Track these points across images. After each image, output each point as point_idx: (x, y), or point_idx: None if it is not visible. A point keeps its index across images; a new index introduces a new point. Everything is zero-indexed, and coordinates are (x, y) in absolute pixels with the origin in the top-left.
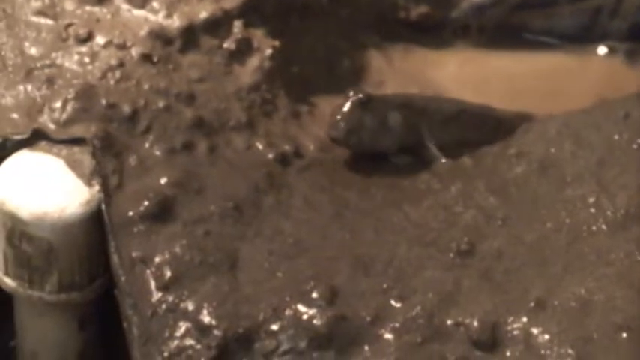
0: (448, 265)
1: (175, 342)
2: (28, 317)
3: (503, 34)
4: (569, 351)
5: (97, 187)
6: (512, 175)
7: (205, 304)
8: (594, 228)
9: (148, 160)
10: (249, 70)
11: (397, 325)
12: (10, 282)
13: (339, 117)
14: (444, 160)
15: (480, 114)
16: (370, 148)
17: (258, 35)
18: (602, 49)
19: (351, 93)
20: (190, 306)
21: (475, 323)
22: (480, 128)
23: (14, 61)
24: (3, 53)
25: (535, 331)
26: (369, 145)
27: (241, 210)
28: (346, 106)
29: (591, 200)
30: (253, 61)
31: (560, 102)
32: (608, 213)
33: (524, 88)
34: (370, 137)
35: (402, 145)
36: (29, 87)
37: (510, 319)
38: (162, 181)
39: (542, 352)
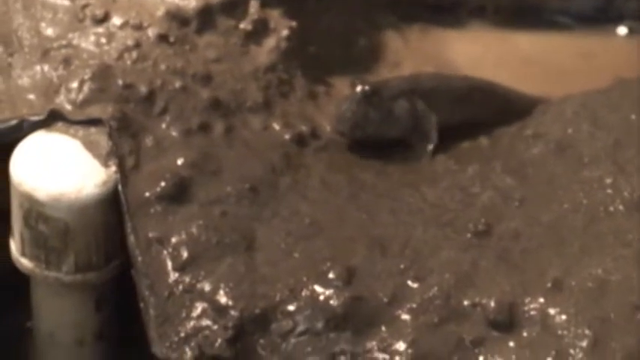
0: (465, 246)
1: (192, 323)
2: (45, 298)
3: (519, 14)
4: (586, 331)
5: (113, 168)
6: (529, 155)
7: (222, 285)
8: (611, 209)
9: (164, 140)
10: (265, 51)
11: (414, 305)
12: (26, 263)
13: (344, 111)
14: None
15: (490, 91)
16: (377, 139)
17: (274, 15)
18: (622, 30)
19: (357, 84)
20: (207, 287)
21: (492, 304)
22: (489, 106)
23: (30, 42)
24: (19, 34)
25: (552, 311)
26: (376, 136)
27: (258, 191)
28: (351, 100)
29: (608, 181)
30: (270, 42)
31: (578, 82)
32: (625, 194)
33: (541, 69)
34: (376, 129)
35: (411, 131)
36: (46, 67)
37: (527, 300)
38: (179, 161)
39: (559, 332)
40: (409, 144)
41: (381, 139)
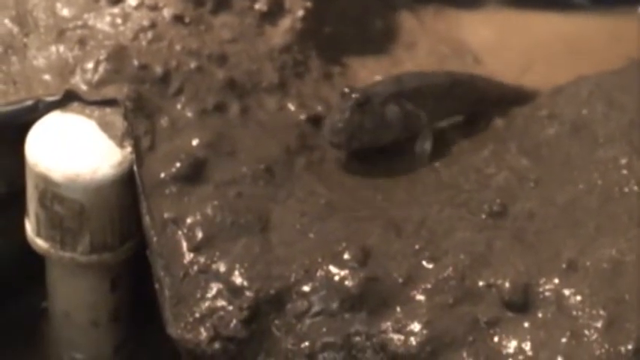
0: (480, 227)
1: (207, 303)
2: (60, 278)
3: None
4: (601, 312)
5: (128, 149)
6: (544, 136)
7: (237, 266)
8: (626, 189)
9: (179, 121)
10: (281, 31)
11: (429, 286)
12: (42, 243)
13: (338, 122)
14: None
15: (470, 84)
16: (372, 146)
17: None
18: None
19: (347, 94)
20: (222, 267)
21: (507, 284)
22: (470, 99)
23: (46, 23)
24: (35, 14)
25: (567, 292)
26: (371, 144)
27: (273, 171)
28: (344, 111)
29: (623, 161)
30: (285, 22)
31: (593, 63)
32: None
33: (555, 49)
34: (372, 137)
35: (403, 135)
36: (61, 48)
37: (542, 281)
38: (194, 142)
39: (574, 313)
40: (404, 147)
41: (377, 146)
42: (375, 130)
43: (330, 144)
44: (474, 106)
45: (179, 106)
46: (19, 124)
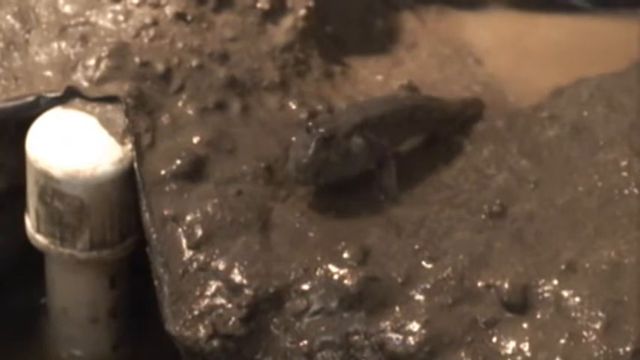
0: (479, 227)
1: (206, 301)
2: (59, 275)
3: None
4: (600, 314)
5: (129, 146)
6: (544, 137)
7: (236, 264)
8: (626, 191)
9: (180, 118)
10: (282, 30)
11: (428, 286)
12: (41, 239)
13: (302, 158)
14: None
15: (428, 107)
16: (338, 179)
17: None
18: None
19: (311, 127)
20: (221, 265)
21: (506, 285)
22: (430, 121)
23: (48, 19)
24: (37, 10)
25: (566, 293)
26: (338, 177)
27: (273, 170)
28: (308, 147)
29: (623, 164)
30: (287, 21)
31: (594, 64)
32: None
33: (557, 51)
34: (338, 171)
35: (368, 166)
36: (63, 45)
37: (541, 282)
38: (195, 140)
39: (573, 314)
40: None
41: (342, 179)
42: (341, 164)
43: (295, 180)
44: (434, 126)
45: (180, 104)
46: (20, 119)
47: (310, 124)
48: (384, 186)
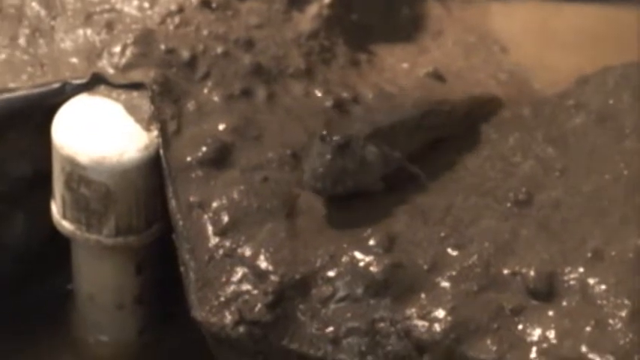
0: (505, 215)
1: (232, 287)
2: (85, 261)
3: None
4: (626, 302)
5: (155, 132)
6: (570, 125)
7: (262, 250)
8: None
9: (206, 105)
10: (308, 17)
11: (454, 273)
12: (67, 225)
13: (319, 167)
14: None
15: (438, 112)
16: (354, 190)
17: None
18: None
19: (325, 135)
20: (247, 252)
21: (532, 273)
22: (440, 126)
23: (74, 6)
24: None
25: (592, 281)
26: (354, 188)
27: (299, 157)
28: (325, 155)
29: None
30: (312, 9)
31: (620, 53)
32: None
33: (584, 37)
34: (355, 180)
35: (383, 176)
36: (88, 31)
37: (567, 269)
38: (221, 127)
39: (599, 302)
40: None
41: (357, 191)
42: (357, 173)
43: (312, 190)
44: (443, 130)
45: (206, 91)
46: (45, 106)
47: (324, 133)
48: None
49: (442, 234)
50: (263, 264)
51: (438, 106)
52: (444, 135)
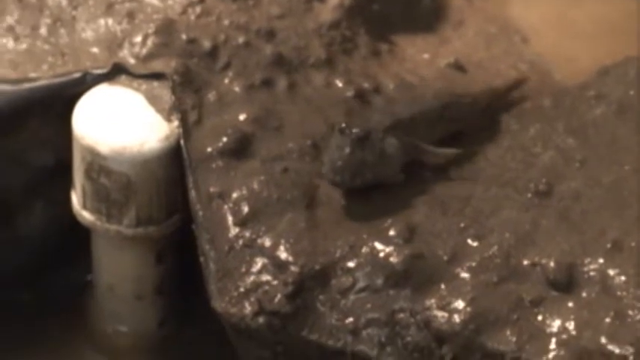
0: (525, 206)
1: (252, 277)
2: (106, 251)
3: None
4: None
5: (176, 123)
6: (591, 116)
7: (282, 241)
8: None
9: (227, 96)
10: (329, 8)
11: (473, 264)
12: (88, 216)
13: (338, 160)
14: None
15: (458, 104)
16: (373, 183)
17: None
18: None
19: (344, 128)
20: (267, 242)
21: (552, 264)
22: (459, 117)
23: None
24: None
25: (611, 272)
26: (373, 180)
27: (319, 147)
28: (344, 148)
29: None
30: None
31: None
32: None
33: (605, 28)
34: (374, 173)
35: (403, 167)
36: (110, 21)
37: (587, 261)
38: (241, 117)
39: (619, 293)
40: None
41: (378, 182)
42: (377, 165)
43: (331, 183)
44: (463, 122)
45: (227, 81)
46: (66, 96)
47: (343, 125)
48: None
49: (462, 225)
50: (283, 254)
51: (459, 98)
52: (464, 127)
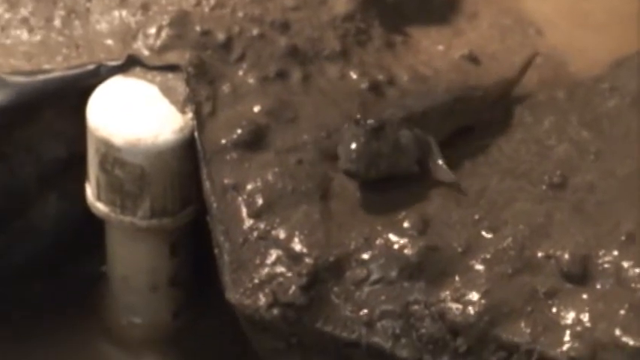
0: (540, 198)
1: (266, 269)
2: (120, 243)
3: None
4: None
5: (190, 114)
6: (605, 108)
7: (297, 232)
8: None
9: (241, 87)
10: (343, 0)
11: (488, 256)
12: (102, 207)
13: (354, 151)
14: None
15: (469, 98)
16: (388, 174)
17: None
18: None
19: (359, 119)
20: (282, 234)
21: (566, 256)
22: (470, 110)
23: None
24: None
25: (626, 264)
26: (388, 171)
27: (334, 139)
28: (359, 138)
29: None
30: None
31: None
32: None
33: (619, 19)
34: (389, 164)
35: (416, 160)
36: (124, 13)
37: (601, 253)
38: (256, 109)
39: (633, 285)
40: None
41: (393, 174)
42: (391, 156)
43: (346, 173)
44: (475, 115)
45: (241, 73)
46: (80, 88)
47: (358, 116)
48: (440, 178)
49: (476, 216)
50: (297, 246)
51: (470, 91)
52: (475, 121)
